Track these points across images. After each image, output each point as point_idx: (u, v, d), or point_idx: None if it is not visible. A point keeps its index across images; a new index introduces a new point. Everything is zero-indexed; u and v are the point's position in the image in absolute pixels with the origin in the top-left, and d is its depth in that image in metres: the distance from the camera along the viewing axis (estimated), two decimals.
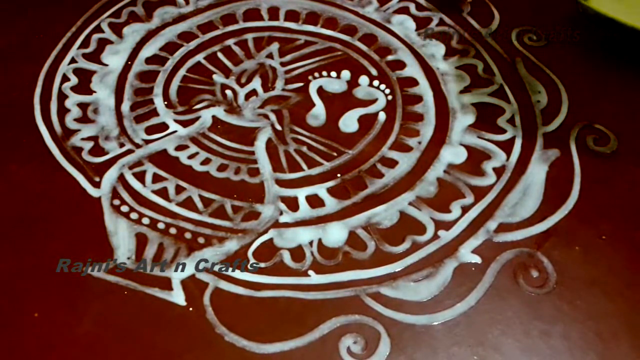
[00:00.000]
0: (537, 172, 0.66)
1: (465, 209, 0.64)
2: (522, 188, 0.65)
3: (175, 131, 0.70)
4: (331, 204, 0.64)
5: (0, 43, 0.79)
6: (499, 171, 0.66)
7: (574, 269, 0.60)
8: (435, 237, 0.62)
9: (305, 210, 0.64)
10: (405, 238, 0.62)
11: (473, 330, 0.56)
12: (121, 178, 0.66)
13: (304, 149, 0.69)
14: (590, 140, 0.69)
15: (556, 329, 0.56)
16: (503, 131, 0.70)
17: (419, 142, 0.69)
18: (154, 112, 0.72)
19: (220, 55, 0.78)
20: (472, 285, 0.59)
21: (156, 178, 0.66)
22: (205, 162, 0.68)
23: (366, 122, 0.71)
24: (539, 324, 0.56)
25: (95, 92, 0.74)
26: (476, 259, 0.60)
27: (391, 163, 0.68)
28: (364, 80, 0.75)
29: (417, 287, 0.59)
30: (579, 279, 0.59)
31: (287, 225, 0.63)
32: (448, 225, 0.63)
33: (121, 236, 0.61)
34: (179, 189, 0.65)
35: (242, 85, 0.75)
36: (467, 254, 0.60)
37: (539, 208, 0.64)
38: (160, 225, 0.62)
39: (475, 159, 0.68)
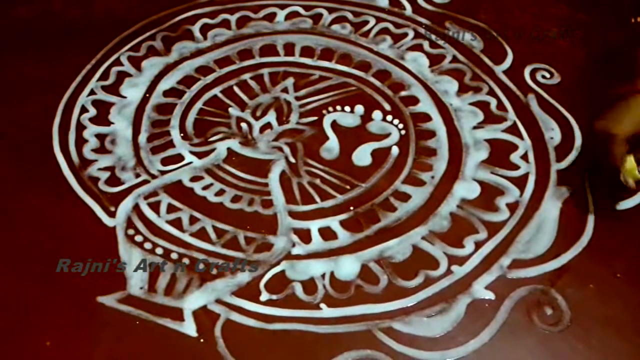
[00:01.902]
0: (550, 209, 0.66)
1: (478, 245, 0.63)
2: (536, 224, 0.65)
3: (191, 162, 0.71)
4: (344, 237, 0.64)
5: (21, 74, 0.81)
6: (512, 207, 0.66)
7: (588, 307, 0.59)
8: (449, 272, 0.62)
9: (317, 242, 0.64)
10: (418, 272, 0.62)
11: None
12: (136, 208, 0.66)
13: (317, 181, 0.69)
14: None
15: None
16: (516, 167, 0.70)
17: (432, 177, 0.69)
18: (170, 144, 0.73)
19: (236, 89, 0.79)
20: (485, 322, 0.58)
21: (171, 208, 0.66)
22: (220, 193, 0.68)
23: (379, 156, 0.72)
24: None
25: (113, 123, 0.75)
26: (490, 295, 0.60)
27: (404, 197, 0.68)
28: (377, 115, 0.76)
29: (429, 322, 0.58)
30: (593, 317, 0.59)
31: (299, 257, 0.63)
32: (461, 261, 0.62)
33: (134, 266, 0.62)
34: (192, 220, 0.66)
35: (257, 119, 0.76)
36: (480, 290, 0.60)
37: (553, 245, 0.63)
38: (174, 256, 0.62)
39: (489, 195, 0.68)
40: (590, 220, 0.65)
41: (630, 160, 0.63)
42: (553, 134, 0.73)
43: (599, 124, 0.65)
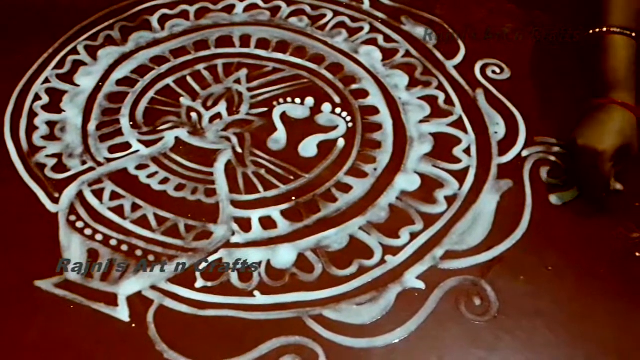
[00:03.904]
0: (488, 202, 0.67)
1: (414, 235, 0.64)
2: (472, 217, 0.66)
3: (138, 151, 0.72)
4: (283, 226, 0.65)
5: None
6: (450, 200, 0.67)
7: (517, 298, 0.60)
8: (382, 262, 0.62)
9: (257, 231, 0.65)
10: (353, 262, 0.62)
11: (411, 356, 0.57)
12: (80, 195, 0.67)
13: (262, 171, 0.70)
14: (544, 172, 0.70)
15: (493, 358, 0.56)
16: (458, 161, 0.71)
17: (375, 169, 0.70)
18: (119, 132, 0.74)
19: (189, 79, 0.80)
20: (413, 310, 0.59)
21: (114, 196, 0.67)
22: (164, 181, 0.69)
23: (325, 147, 0.73)
24: (477, 352, 0.57)
25: (64, 111, 0.76)
26: (420, 285, 0.61)
27: (346, 188, 0.69)
28: (326, 107, 0.77)
29: (359, 310, 0.59)
30: (521, 308, 0.60)
31: (237, 245, 0.64)
32: (395, 251, 0.63)
33: (73, 251, 0.63)
34: (135, 207, 0.66)
35: (207, 109, 0.76)
36: (411, 279, 0.61)
37: (487, 237, 0.64)
38: (113, 242, 0.63)
39: (429, 187, 0.68)
40: (527, 214, 0.66)
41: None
42: (498, 128, 0.74)
43: (583, 142, 0.64)
